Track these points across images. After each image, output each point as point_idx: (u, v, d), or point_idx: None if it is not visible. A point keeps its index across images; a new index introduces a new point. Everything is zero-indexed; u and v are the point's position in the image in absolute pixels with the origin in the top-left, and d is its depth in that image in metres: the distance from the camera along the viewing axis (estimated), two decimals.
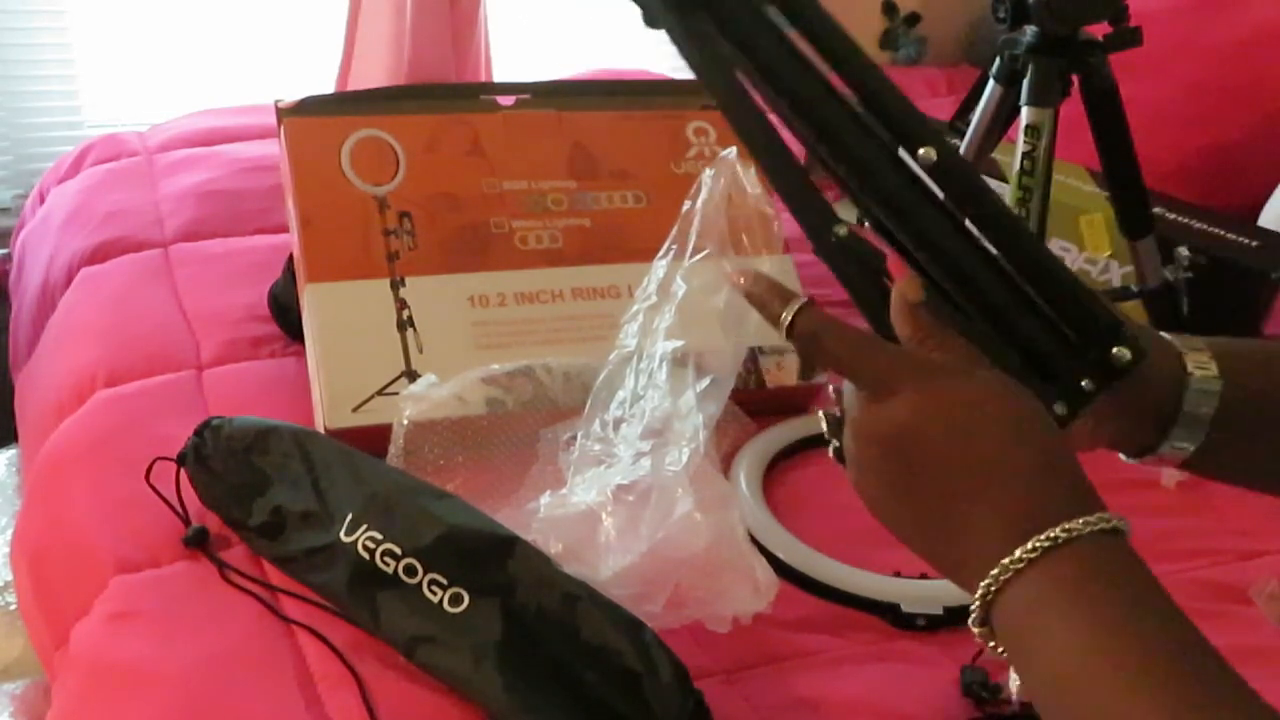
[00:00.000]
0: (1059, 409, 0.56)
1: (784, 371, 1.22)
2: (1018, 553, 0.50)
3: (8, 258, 1.94)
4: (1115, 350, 0.56)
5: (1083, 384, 0.56)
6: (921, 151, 0.55)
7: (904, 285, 0.56)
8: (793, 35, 0.57)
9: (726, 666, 0.92)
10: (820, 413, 0.60)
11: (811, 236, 0.57)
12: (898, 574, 1.03)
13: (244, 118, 1.94)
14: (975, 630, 0.53)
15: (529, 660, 0.85)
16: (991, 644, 0.53)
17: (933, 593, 1.00)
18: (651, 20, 0.58)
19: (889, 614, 0.99)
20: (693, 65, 0.58)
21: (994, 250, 0.56)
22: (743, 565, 0.90)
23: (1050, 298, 0.56)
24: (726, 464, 1.09)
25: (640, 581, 0.89)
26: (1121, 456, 0.64)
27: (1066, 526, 0.50)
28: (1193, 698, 0.46)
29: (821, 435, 1.23)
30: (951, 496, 0.52)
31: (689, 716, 0.83)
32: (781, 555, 1.02)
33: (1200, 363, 0.60)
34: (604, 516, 0.93)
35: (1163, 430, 0.60)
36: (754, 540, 0.97)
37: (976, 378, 0.54)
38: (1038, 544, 0.50)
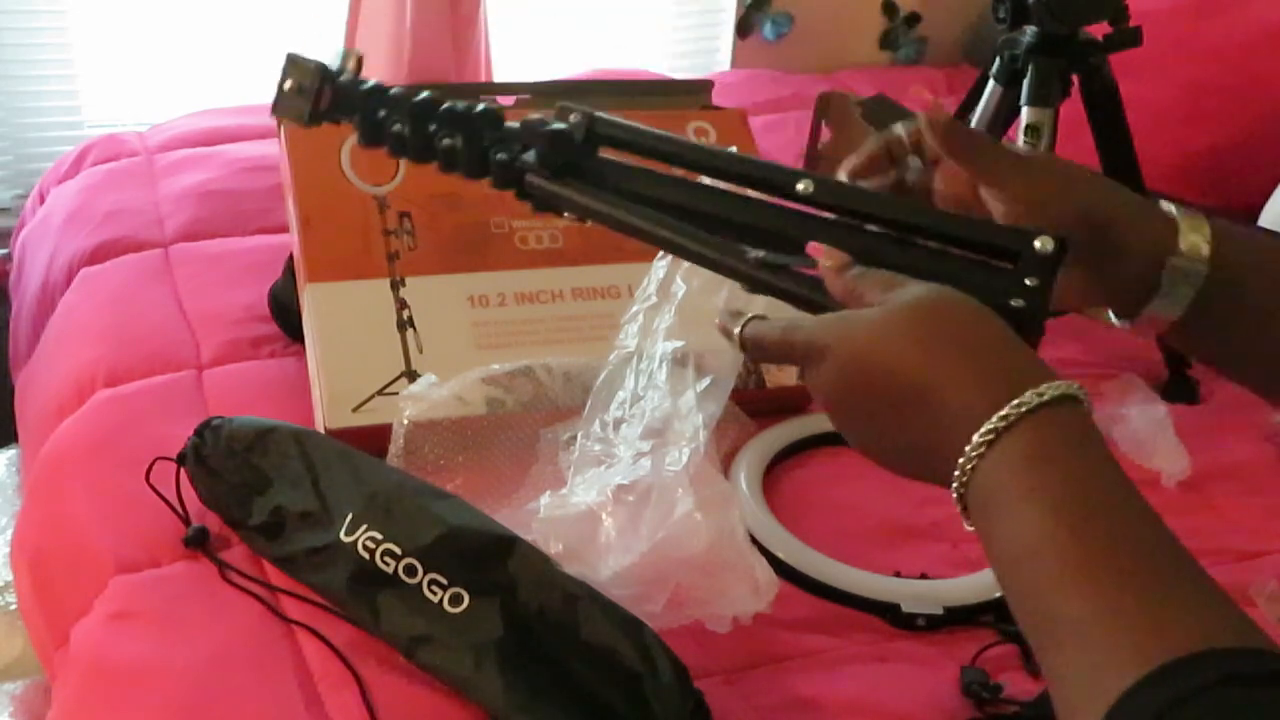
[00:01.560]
0: (1016, 303, 0.59)
1: (784, 371, 1.22)
2: (967, 450, 0.51)
3: (8, 258, 1.94)
4: (1038, 244, 0.59)
5: (1026, 282, 0.59)
6: (800, 186, 0.64)
7: (824, 259, 0.61)
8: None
9: (726, 666, 0.92)
10: None
11: (736, 275, 0.65)
12: (898, 574, 1.03)
13: (244, 118, 1.94)
14: (969, 528, 0.54)
15: (529, 660, 0.85)
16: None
17: (933, 593, 1.00)
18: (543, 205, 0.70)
19: (889, 614, 0.99)
20: (591, 214, 0.69)
21: (896, 231, 0.63)
22: (743, 565, 0.90)
23: (961, 242, 0.62)
24: (726, 464, 1.09)
25: (640, 581, 0.89)
26: (1111, 317, 0.66)
27: (1003, 414, 0.50)
28: (1136, 576, 0.46)
29: (821, 435, 1.23)
30: (900, 425, 0.55)
31: (689, 716, 0.83)
32: (781, 555, 1.02)
33: (1192, 244, 0.61)
34: (604, 516, 0.93)
35: (1143, 303, 0.63)
36: (754, 540, 0.97)
37: (888, 307, 0.56)
38: (981, 438, 0.51)
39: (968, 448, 0.51)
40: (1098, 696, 0.43)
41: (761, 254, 0.63)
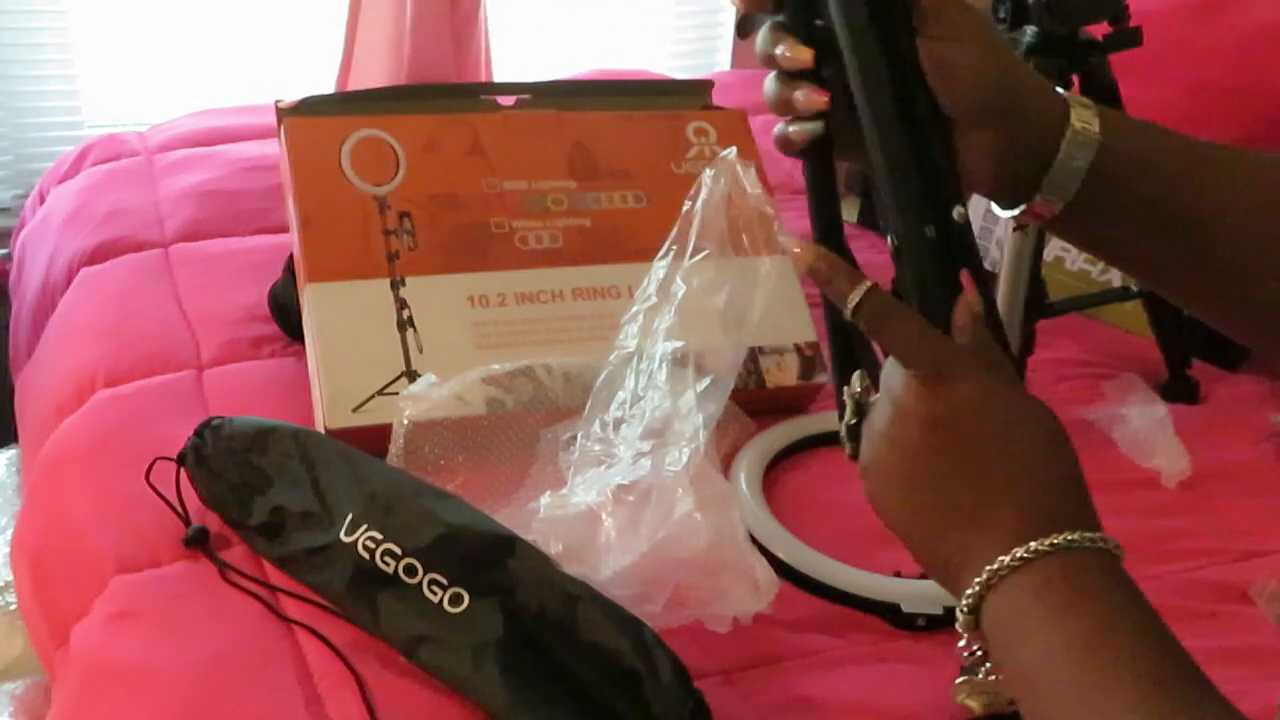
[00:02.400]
0: None
1: (784, 371, 1.22)
2: (1021, 551, 0.52)
3: (8, 258, 1.94)
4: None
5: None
6: (955, 212, 0.60)
7: (970, 296, 0.58)
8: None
9: (726, 666, 0.92)
10: (845, 390, 0.61)
11: (906, 229, 0.60)
12: (898, 574, 1.03)
13: (244, 118, 1.94)
14: (960, 619, 0.54)
15: (529, 660, 0.85)
16: (963, 642, 0.55)
17: (933, 593, 1.00)
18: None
19: (889, 614, 0.99)
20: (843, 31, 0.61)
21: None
22: (743, 565, 0.90)
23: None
24: (726, 464, 1.09)
25: (640, 581, 0.89)
26: (995, 209, 0.66)
27: (1071, 536, 0.52)
28: (1162, 713, 0.47)
29: (821, 435, 1.23)
30: (979, 486, 0.54)
31: (689, 716, 0.83)
32: (781, 555, 1.02)
33: (1084, 119, 0.62)
34: (604, 516, 0.93)
35: (1037, 180, 0.62)
36: (754, 540, 0.97)
37: (1024, 391, 0.57)
38: (1044, 545, 0.51)
39: (999, 560, 0.52)
40: None
41: (933, 233, 0.59)
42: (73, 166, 1.89)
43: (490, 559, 0.89)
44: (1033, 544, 0.52)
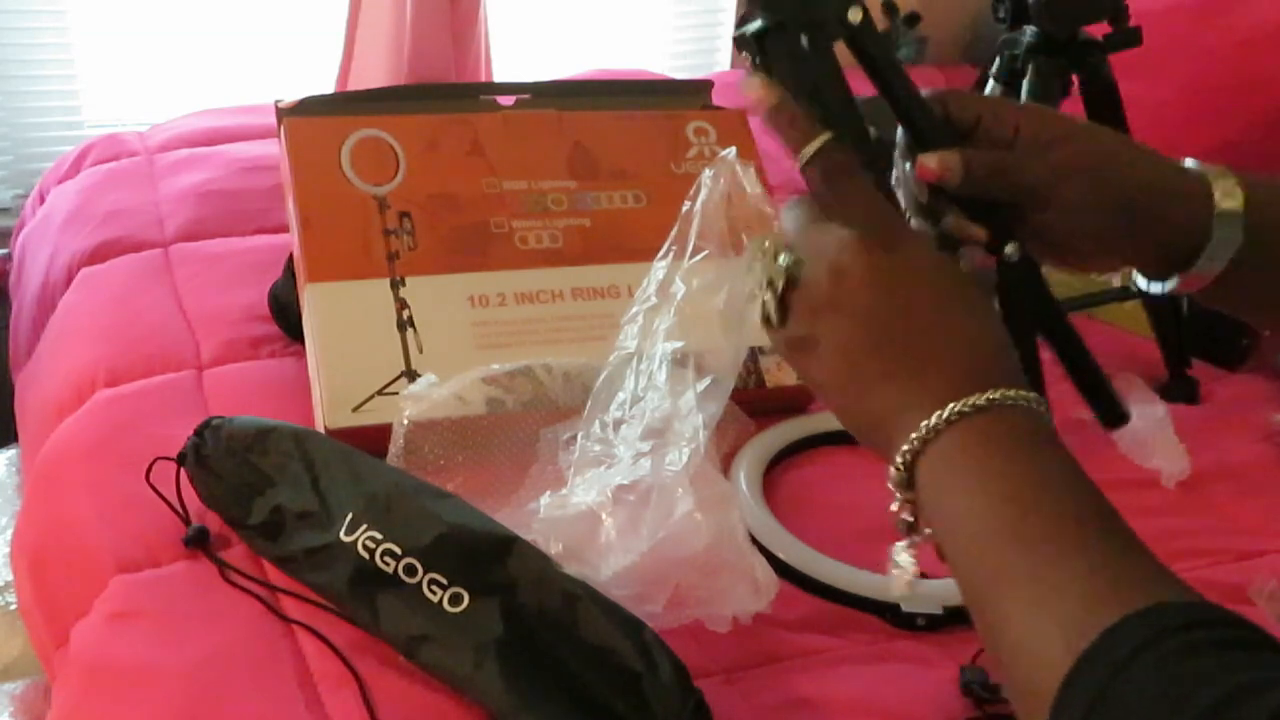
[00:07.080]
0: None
1: (784, 371, 1.22)
2: (956, 405, 0.53)
3: (8, 258, 1.94)
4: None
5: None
6: (1009, 249, 0.66)
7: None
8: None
9: (726, 666, 0.92)
10: (766, 260, 0.61)
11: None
12: None
13: (244, 118, 1.94)
14: (893, 475, 0.55)
15: (529, 660, 0.85)
16: (895, 505, 0.56)
17: (932, 592, 1.00)
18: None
19: (889, 614, 0.99)
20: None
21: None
22: (743, 565, 0.90)
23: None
24: (726, 464, 1.09)
25: (640, 581, 0.89)
26: (1138, 279, 0.70)
27: (999, 394, 0.53)
28: (1096, 564, 0.49)
29: (821, 435, 1.23)
30: (920, 347, 0.56)
31: (689, 716, 0.83)
32: (781, 555, 1.02)
33: (1227, 191, 0.65)
34: (604, 517, 0.93)
35: (1187, 259, 0.66)
36: (754, 540, 0.97)
37: (959, 268, 0.60)
38: (977, 401, 0.53)
39: (926, 421, 0.53)
40: (1070, 638, 0.46)
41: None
42: (73, 166, 1.89)
43: (490, 559, 0.89)
44: (968, 400, 0.53)
